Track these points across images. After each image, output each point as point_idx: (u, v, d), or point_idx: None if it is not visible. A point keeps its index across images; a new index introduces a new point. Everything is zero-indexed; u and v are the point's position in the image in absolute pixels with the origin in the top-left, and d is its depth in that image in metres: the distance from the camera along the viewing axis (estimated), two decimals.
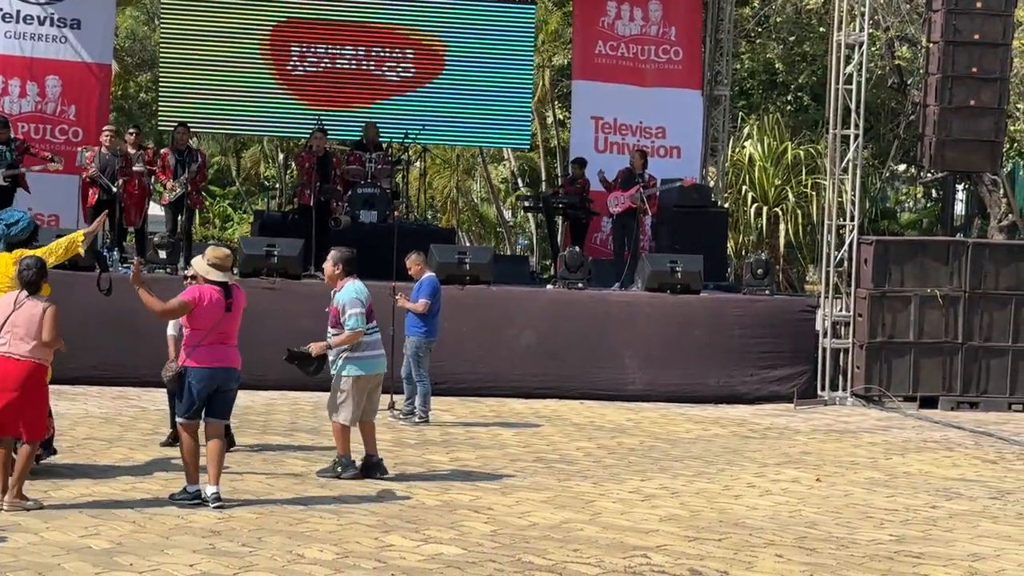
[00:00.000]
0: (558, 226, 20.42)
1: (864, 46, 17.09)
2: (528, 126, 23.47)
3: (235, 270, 9.63)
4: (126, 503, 9.30)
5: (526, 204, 23.95)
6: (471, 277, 16.26)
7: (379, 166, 18.53)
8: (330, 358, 10.53)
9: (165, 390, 11.64)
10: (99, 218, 10.88)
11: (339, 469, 10.49)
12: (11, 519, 8.69)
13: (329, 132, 18.77)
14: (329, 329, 10.54)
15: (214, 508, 9.17)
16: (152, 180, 17.49)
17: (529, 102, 22.87)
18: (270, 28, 20.24)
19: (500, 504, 9.82)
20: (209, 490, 9.31)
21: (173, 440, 11.43)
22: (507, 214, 34.21)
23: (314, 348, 10.41)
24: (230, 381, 9.45)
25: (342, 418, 10.46)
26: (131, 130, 17.98)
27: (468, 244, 30.40)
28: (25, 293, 9.10)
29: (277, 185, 22.94)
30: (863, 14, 17.21)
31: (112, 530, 8.52)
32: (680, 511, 9.84)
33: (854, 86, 16.99)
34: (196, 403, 9.33)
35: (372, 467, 10.61)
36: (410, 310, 13.38)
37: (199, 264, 9.49)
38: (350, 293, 10.41)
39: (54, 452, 10.27)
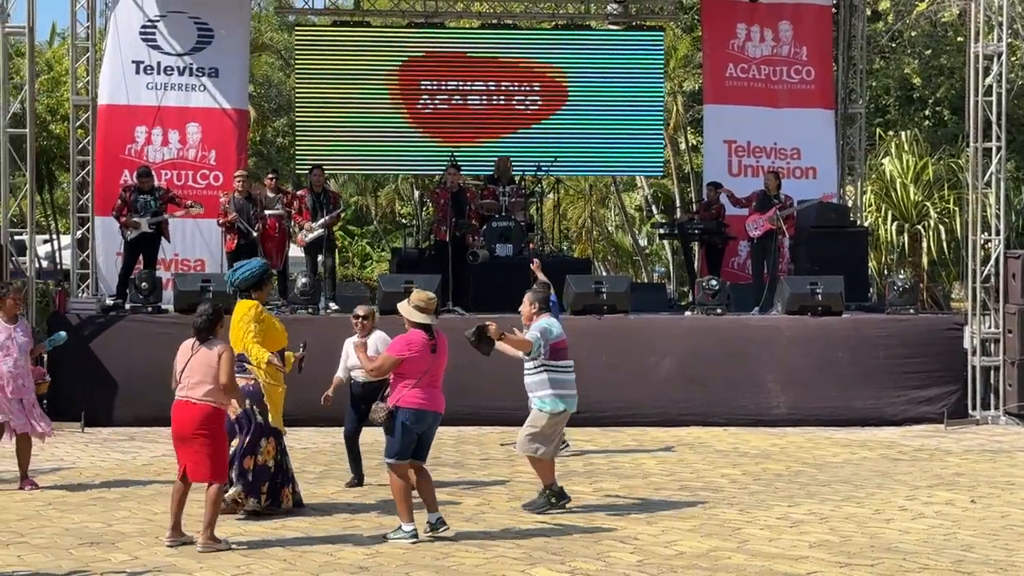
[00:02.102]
0: (694, 252, 20.28)
1: (1003, 56, 16.71)
2: (661, 153, 23.41)
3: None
4: (276, 542, 9.43)
5: (661, 231, 23.85)
6: (609, 307, 16.22)
7: (513, 199, 18.62)
8: (530, 395, 10.63)
9: (309, 430, 11.85)
10: (300, 355, 10.50)
11: (553, 500, 10.50)
12: (167, 559, 8.87)
13: (462, 167, 18.92)
14: (526, 363, 10.60)
15: (442, 532, 9.37)
16: (291, 223, 17.79)
17: (661, 129, 22.82)
18: (399, 66, 20.58)
19: (646, 533, 9.75)
20: (432, 517, 9.47)
21: (357, 483, 11.62)
22: (642, 242, 34.12)
23: (492, 327, 10.28)
24: (434, 425, 9.64)
25: (541, 453, 10.47)
26: (270, 175, 18.35)
27: (604, 274, 30.34)
28: (197, 340, 9.34)
29: (413, 222, 23.16)
30: (1001, 24, 16.84)
31: (264, 568, 8.64)
32: (830, 536, 9.66)
33: (994, 97, 16.61)
34: (408, 443, 9.45)
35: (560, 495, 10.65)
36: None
37: (404, 308, 9.64)
38: (540, 323, 10.52)
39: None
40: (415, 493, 9.62)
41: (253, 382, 10.14)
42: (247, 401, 10.05)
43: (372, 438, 11.55)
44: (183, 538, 9.24)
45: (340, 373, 11.68)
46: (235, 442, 10.16)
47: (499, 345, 10.36)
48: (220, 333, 9.43)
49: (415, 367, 9.43)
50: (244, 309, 10.16)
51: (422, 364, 9.43)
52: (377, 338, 11.30)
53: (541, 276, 13.00)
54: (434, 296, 9.74)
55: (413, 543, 9.28)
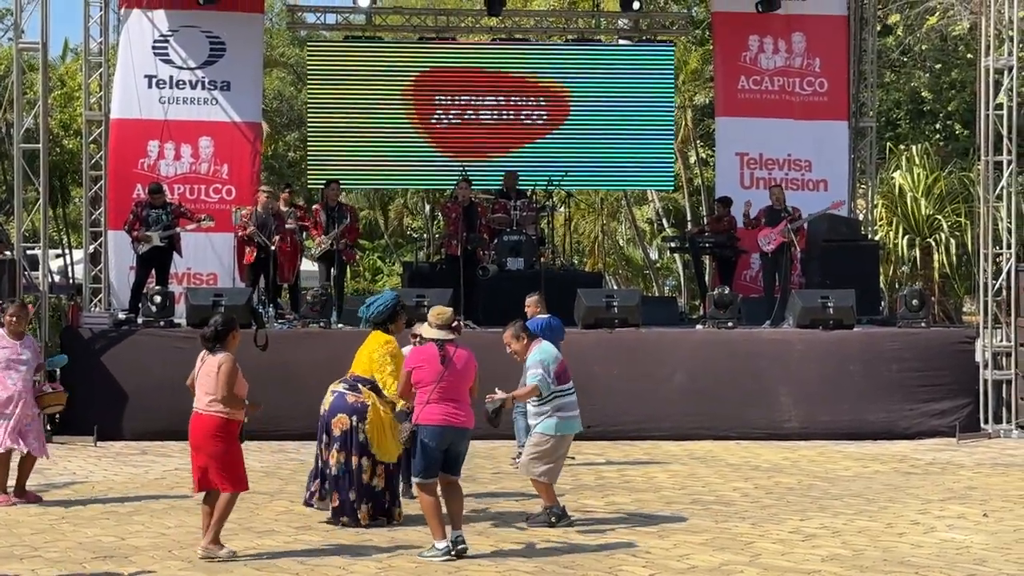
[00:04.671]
0: (705, 266, 20.28)
1: (1014, 70, 16.70)
2: (671, 167, 23.41)
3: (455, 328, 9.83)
4: (289, 554, 9.44)
5: (672, 245, 23.88)
6: (619, 320, 16.22)
7: (524, 213, 18.64)
8: (530, 420, 10.64)
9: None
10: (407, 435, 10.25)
11: (552, 519, 10.47)
12: (179, 572, 8.89)
13: (474, 181, 18.94)
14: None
15: (458, 550, 9.27)
16: (304, 236, 17.83)
17: (671, 142, 22.83)
18: (411, 82, 20.65)
19: (658, 547, 9.74)
20: (453, 534, 9.39)
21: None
22: (653, 255, 34.11)
23: (499, 395, 10.33)
24: (460, 441, 9.56)
25: (544, 476, 10.48)
26: (284, 189, 18.38)
27: (615, 287, 30.32)
28: (206, 351, 9.40)
29: (424, 236, 23.24)
30: (1011, 38, 16.85)
31: None
32: (842, 550, 9.65)
33: (1005, 111, 16.61)
34: (430, 461, 9.41)
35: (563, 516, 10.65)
36: None
37: (422, 326, 9.76)
38: (535, 356, 10.49)
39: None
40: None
41: (362, 401, 10.26)
42: (353, 418, 10.22)
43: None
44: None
45: None
46: (332, 461, 10.31)
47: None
48: (231, 346, 9.44)
49: (423, 377, 9.43)
50: (382, 341, 10.30)
51: (431, 375, 9.42)
52: None
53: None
54: (446, 311, 9.74)
55: (444, 561, 9.25)
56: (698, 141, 29.99)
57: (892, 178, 24.98)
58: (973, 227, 22.22)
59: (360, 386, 10.32)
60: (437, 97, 20.80)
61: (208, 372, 9.30)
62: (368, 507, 10.36)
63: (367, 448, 10.26)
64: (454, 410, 9.44)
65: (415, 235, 33.81)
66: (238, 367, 9.33)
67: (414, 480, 9.56)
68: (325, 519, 10.60)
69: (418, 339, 11.05)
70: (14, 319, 11.69)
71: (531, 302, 13.70)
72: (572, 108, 20.90)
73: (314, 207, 17.94)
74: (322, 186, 18.69)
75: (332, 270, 17.49)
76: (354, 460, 10.28)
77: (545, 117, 20.94)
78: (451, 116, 20.85)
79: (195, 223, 16.98)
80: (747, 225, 18.32)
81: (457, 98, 20.83)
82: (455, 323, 9.73)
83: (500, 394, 10.33)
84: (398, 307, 10.48)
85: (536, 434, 10.48)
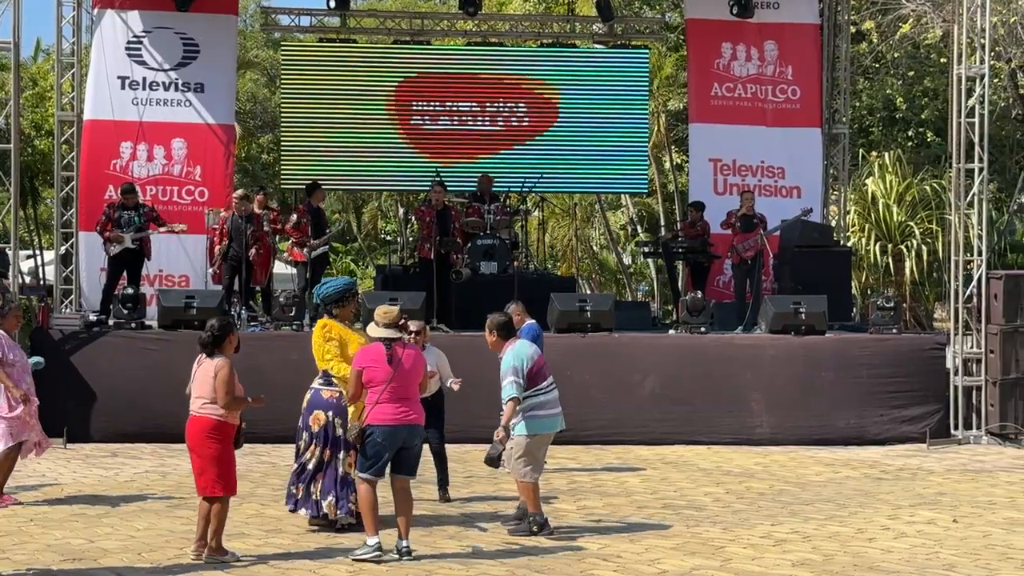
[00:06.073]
0: (679, 271, 20.31)
1: (986, 78, 16.80)
2: (645, 172, 23.44)
3: (406, 328, 9.73)
4: (259, 558, 9.41)
5: (646, 250, 23.91)
6: (592, 325, 16.23)
7: (498, 217, 18.64)
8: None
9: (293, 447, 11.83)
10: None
11: (535, 528, 10.38)
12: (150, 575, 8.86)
13: (449, 185, 18.91)
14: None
15: (406, 560, 9.22)
16: (277, 239, 17.77)
17: (645, 148, 22.86)
18: (390, 85, 20.59)
19: (629, 552, 9.75)
20: (401, 544, 9.36)
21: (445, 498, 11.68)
22: (627, 260, 34.16)
23: (499, 435, 10.21)
24: (413, 438, 9.52)
25: (528, 477, 10.40)
26: (259, 191, 18.32)
27: (588, 292, 30.34)
28: (204, 355, 9.38)
29: (398, 240, 23.21)
30: (983, 46, 16.93)
31: None
32: (813, 555, 9.68)
33: (977, 119, 16.69)
34: (379, 460, 9.37)
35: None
36: None
37: (370, 326, 9.69)
38: (507, 361, 10.38)
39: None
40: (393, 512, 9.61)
41: (338, 395, 10.23)
42: (329, 413, 10.20)
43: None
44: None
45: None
46: (309, 456, 10.28)
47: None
48: (228, 349, 9.42)
49: (374, 377, 9.39)
50: (318, 329, 10.27)
51: (380, 375, 9.37)
52: (434, 355, 11.31)
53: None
54: (392, 310, 9.63)
55: (375, 556, 9.22)
56: (672, 146, 30.05)
57: (865, 185, 25.09)
58: (944, 234, 22.33)
59: (332, 379, 10.29)
60: (417, 100, 20.72)
61: (205, 376, 9.29)
62: (346, 501, 10.25)
63: (344, 443, 10.18)
64: (405, 409, 9.42)
65: (388, 238, 33.78)
66: (234, 371, 9.32)
67: (359, 475, 9.45)
68: (297, 523, 10.57)
69: (412, 335, 11.10)
70: (14, 320, 11.78)
71: (516, 310, 13.60)
72: (560, 112, 20.89)
73: (299, 206, 17.92)
74: (297, 188, 18.65)
75: (307, 273, 17.43)
76: (327, 454, 10.25)
77: (528, 121, 20.90)
78: (429, 119, 20.80)
79: (167, 227, 16.96)
80: (727, 227, 18.31)
81: (433, 101, 20.78)
82: (402, 322, 9.69)
83: (496, 437, 10.21)
84: (348, 292, 10.35)
85: (515, 437, 10.42)
